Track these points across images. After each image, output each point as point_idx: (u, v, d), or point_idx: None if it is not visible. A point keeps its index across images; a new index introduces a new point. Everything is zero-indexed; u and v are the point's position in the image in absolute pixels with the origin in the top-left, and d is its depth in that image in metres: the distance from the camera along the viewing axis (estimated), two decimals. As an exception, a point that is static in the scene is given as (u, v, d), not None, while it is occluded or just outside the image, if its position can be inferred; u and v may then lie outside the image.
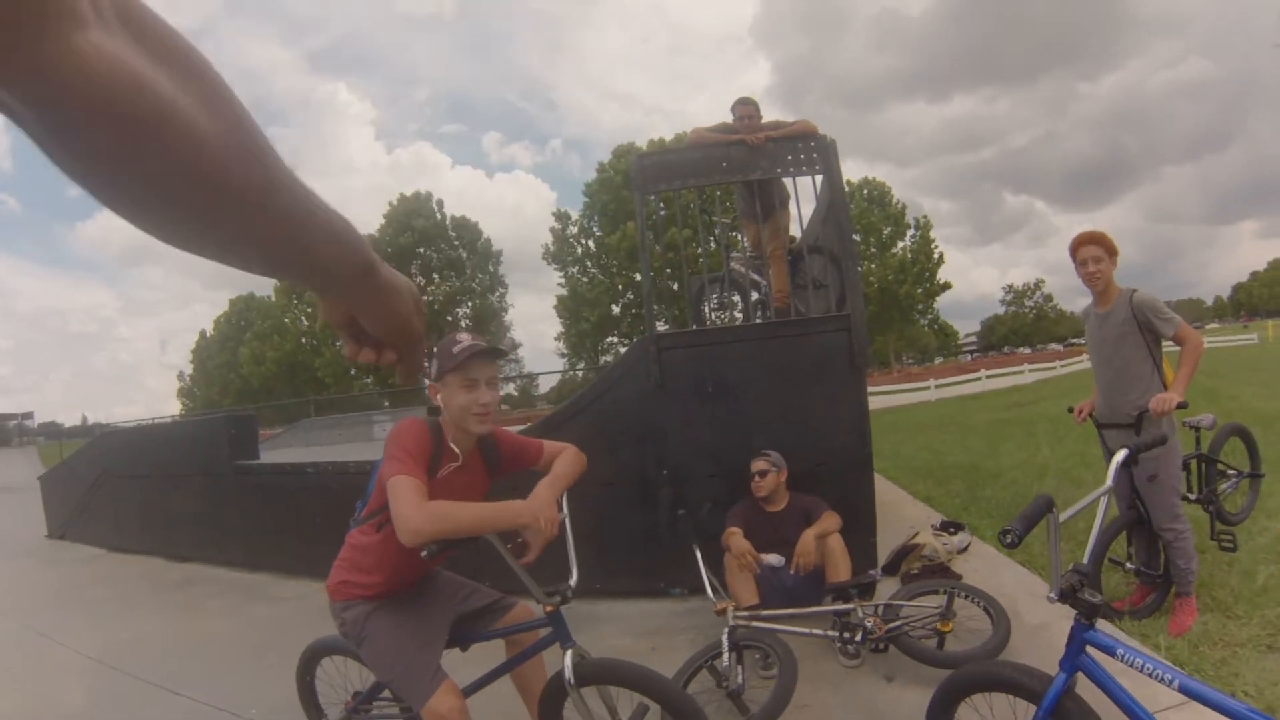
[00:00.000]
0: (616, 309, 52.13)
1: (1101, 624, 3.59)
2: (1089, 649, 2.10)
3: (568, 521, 2.73)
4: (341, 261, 0.69)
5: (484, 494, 2.81)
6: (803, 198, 6.04)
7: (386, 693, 3.10)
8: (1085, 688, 2.12)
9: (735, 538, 4.32)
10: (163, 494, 9.20)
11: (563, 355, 55.31)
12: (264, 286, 63.52)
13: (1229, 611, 4.17)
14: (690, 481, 5.29)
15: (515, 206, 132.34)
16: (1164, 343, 4.25)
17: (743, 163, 5.57)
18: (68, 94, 0.40)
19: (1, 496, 20.37)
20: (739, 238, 7.83)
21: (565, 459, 2.89)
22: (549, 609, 2.67)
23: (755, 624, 3.80)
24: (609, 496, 5.30)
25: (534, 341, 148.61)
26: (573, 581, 2.73)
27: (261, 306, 60.58)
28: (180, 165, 0.47)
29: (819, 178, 5.70)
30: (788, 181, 5.98)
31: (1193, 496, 4.82)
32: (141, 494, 9.66)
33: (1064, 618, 2.18)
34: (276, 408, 40.16)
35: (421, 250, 56.10)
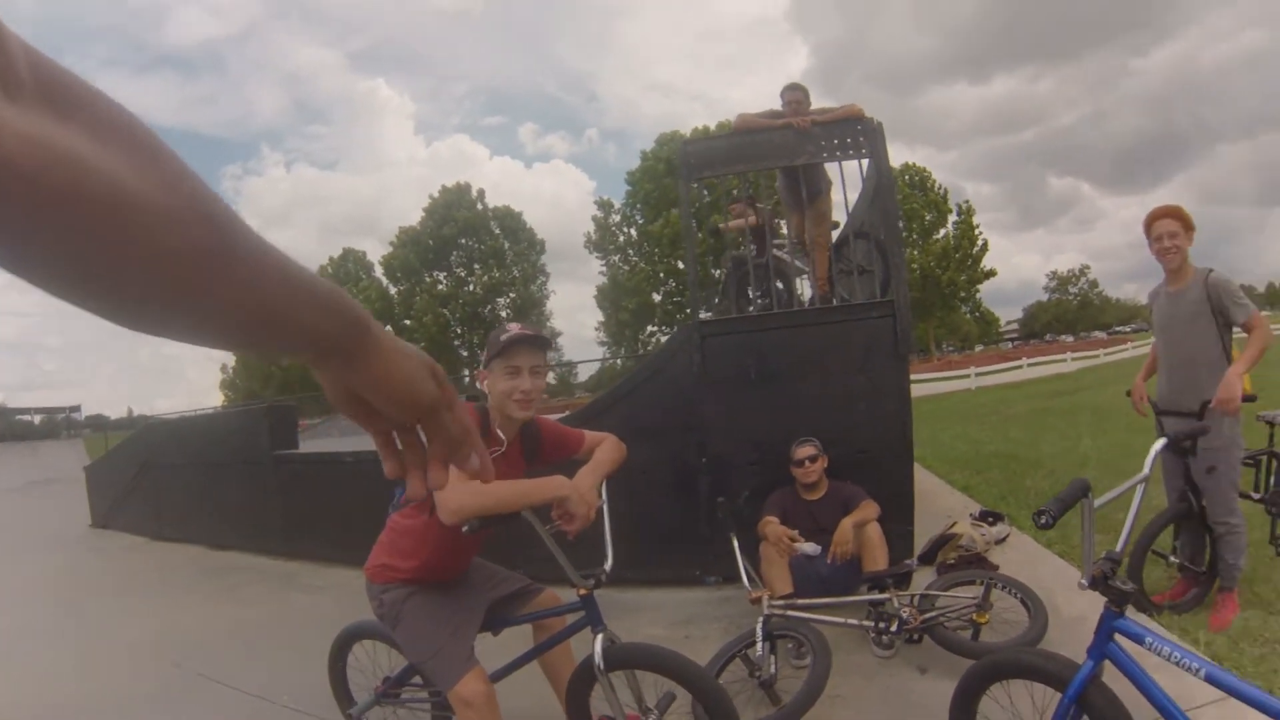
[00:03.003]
0: (658, 297, 52.20)
1: (1137, 615, 3.58)
2: (1117, 637, 2.09)
3: (606, 507, 2.80)
4: (327, 327, 0.61)
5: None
6: (848, 183, 6.03)
7: (416, 678, 3.17)
8: (1114, 678, 2.11)
9: (772, 525, 4.34)
10: (203, 483, 9.40)
11: (603, 344, 55.84)
12: (308, 277, 65.44)
13: (1271, 608, 4.09)
14: (730, 469, 5.29)
15: (554, 196, 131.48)
16: (1234, 330, 4.10)
17: (789, 148, 5.53)
18: None
19: (49, 488, 20.99)
20: (781, 225, 7.81)
21: (606, 447, 2.94)
22: (583, 591, 2.71)
23: (790, 613, 3.80)
24: (646, 484, 5.28)
25: (574, 330, 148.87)
26: (608, 566, 2.78)
27: (302, 299, 61.66)
28: (129, 246, 0.42)
29: (865, 162, 5.64)
30: (831, 168, 5.96)
31: (1256, 495, 4.69)
32: (183, 483, 9.87)
33: (1099, 610, 2.18)
34: (316, 398, 40.45)
35: (463, 241, 56.60)
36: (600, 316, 55.52)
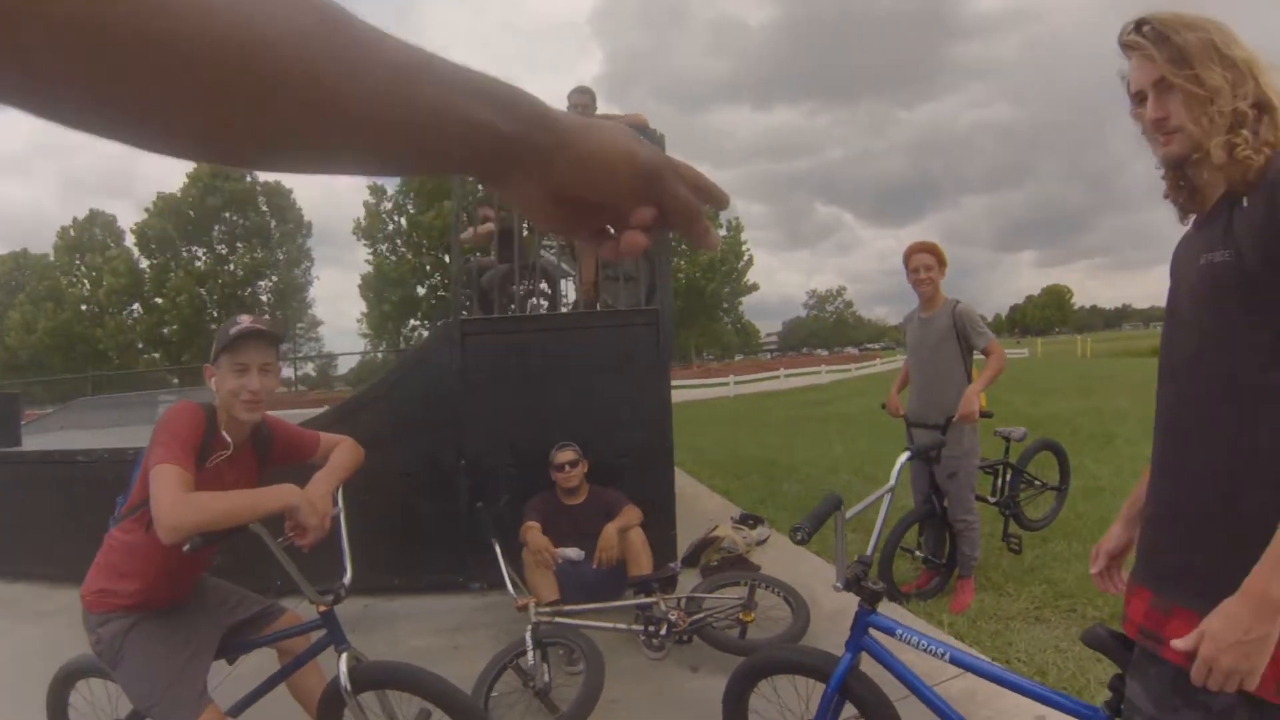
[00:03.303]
0: (422, 290, 50.73)
1: (890, 607, 3.91)
2: (871, 631, 2.27)
3: (342, 517, 2.62)
4: (510, 127, 0.51)
5: (254, 487, 2.60)
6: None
7: None
8: (871, 667, 2.29)
9: (533, 532, 4.28)
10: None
11: (365, 336, 53.23)
12: (41, 243, 56.21)
13: (1001, 590, 4.72)
14: (490, 472, 5.19)
15: (326, 176, 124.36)
16: (974, 354, 4.63)
17: None
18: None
19: None
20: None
21: (342, 451, 2.75)
22: (322, 609, 2.55)
23: (558, 620, 3.79)
24: (407, 486, 5.17)
25: (336, 321, 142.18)
26: (347, 580, 2.61)
27: (36, 265, 53.80)
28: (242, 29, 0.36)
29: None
30: None
31: (992, 499, 5.28)
32: None
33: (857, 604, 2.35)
34: (47, 384, 36.06)
35: (228, 215, 51.73)
36: (364, 307, 52.84)
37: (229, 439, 2.44)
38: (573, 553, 4.34)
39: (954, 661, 2.15)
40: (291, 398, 26.47)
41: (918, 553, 4.86)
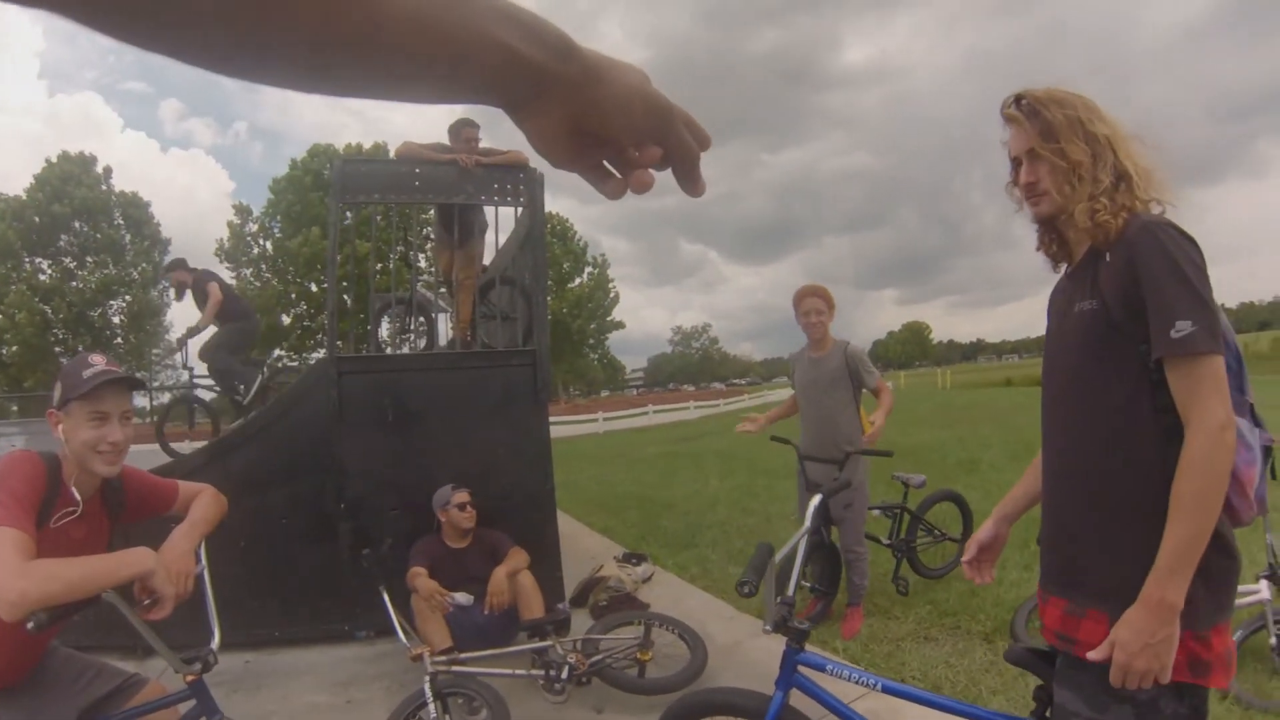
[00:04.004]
0: (287, 319, 47.95)
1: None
2: (801, 668, 2.27)
3: (206, 574, 2.39)
4: (539, 55, 0.52)
5: (106, 546, 2.36)
6: (501, 228, 6.03)
7: None
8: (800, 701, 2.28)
9: (421, 578, 4.15)
10: None
11: None
12: None
13: (889, 614, 4.93)
14: (371, 516, 4.99)
15: (187, 190, 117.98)
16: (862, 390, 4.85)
17: (449, 185, 5.41)
18: None
19: None
20: (423, 261, 7.61)
21: (203, 503, 2.52)
22: (190, 678, 2.30)
23: (455, 668, 3.65)
24: (286, 532, 4.89)
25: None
26: (214, 643, 2.37)
27: None
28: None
29: (521, 209, 5.66)
30: (488, 210, 5.92)
31: (886, 541, 5.40)
32: None
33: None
34: None
35: (78, 225, 45.39)
36: None
37: (77, 494, 2.19)
38: (463, 598, 4.22)
39: (887, 691, 2.19)
40: (146, 429, 24.64)
41: (804, 582, 4.90)
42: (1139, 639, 1.47)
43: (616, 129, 0.59)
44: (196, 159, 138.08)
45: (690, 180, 0.65)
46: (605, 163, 0.64)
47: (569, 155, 0.61)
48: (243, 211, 48.50)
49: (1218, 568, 1.54)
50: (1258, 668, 3.60)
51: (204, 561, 2.38)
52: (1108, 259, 1.63)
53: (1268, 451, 1.68)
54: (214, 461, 4.93)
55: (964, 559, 2.10)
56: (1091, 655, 1.56)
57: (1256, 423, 1.67)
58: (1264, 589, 3.64)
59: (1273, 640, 3.54)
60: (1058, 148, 1.68)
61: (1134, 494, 1.58)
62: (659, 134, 0.61)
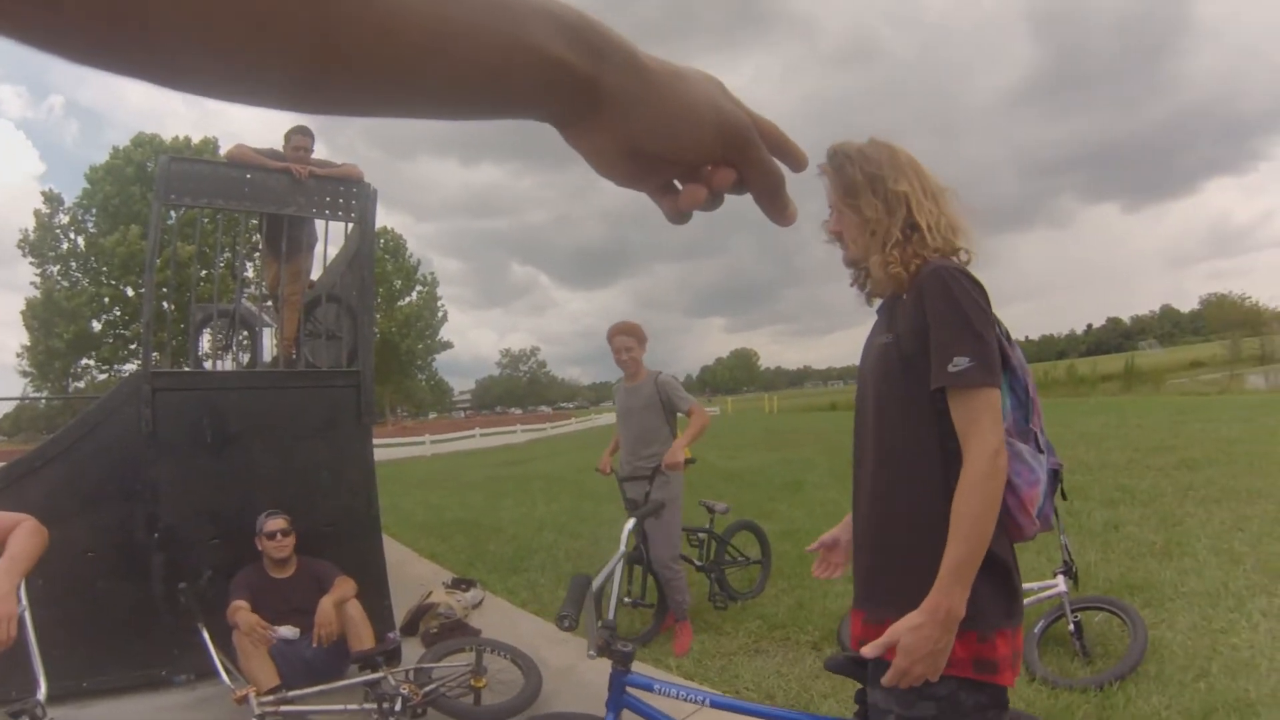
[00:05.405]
0: (98, 325, 42.96)
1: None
2: (629, 689, 2.37)
3: (28, 616, 2.22)
4: (584, 65, 0.45)
5: None
6: (331, 243, 5.93)
7: None
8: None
9: (242, 612, 3.97)
10: None
11: (26, 375, 43.59)
12: None
13: (720, 629, 5.14)
14: (188, 546, 4.68)
15: None
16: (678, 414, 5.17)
17: (280, 195, 5.27)
18: None
19: None
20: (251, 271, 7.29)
21: (21, 537, 2.27)
22: None
23: (284, 708, 3.54)
24: (92, 568, 4.46)
25: None
26: (41, 695, 2.23)
27: None
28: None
29: (352, 225, 5.57)
30: (319, 224, 5.79)
31: (698, 564, 5.65)
32: None
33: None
34: None
35: None
36: (26, 339, 43.30)
37: None
38: (288, 631, 4.10)
39: (714, 705, 2.31)
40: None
41: (626, 599, 5.10)
42: (924, 645, 1.61)
43: (682, 150, 0.51)
44: (3, 132, 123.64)
45: (775, 208, 0.57)
46: (675, 181, 0.56)
47: (631, 175, 0.53)
48: (53, 200, 43.35)
49: (1000, 579, 1.73)
50: (1060, 651, 4.08)
51: (25, 602, 2.20)
52: (904, 298, 1.82)
53: (1056, 474, 1.88)
54: (6, 489, 4.43)
55: (810, 549, 2.25)
56: (865, 650, 1.71)
57: (1041, 448, 1.86)
58: (1060, 583, 4.11)
59: (1070, 627, 4.03)
60: (855, 204, 1.87)
61: (920, 512, 1.75)
62: (735, 154, 0.53)
